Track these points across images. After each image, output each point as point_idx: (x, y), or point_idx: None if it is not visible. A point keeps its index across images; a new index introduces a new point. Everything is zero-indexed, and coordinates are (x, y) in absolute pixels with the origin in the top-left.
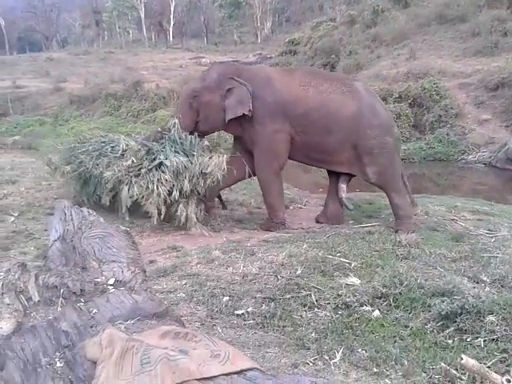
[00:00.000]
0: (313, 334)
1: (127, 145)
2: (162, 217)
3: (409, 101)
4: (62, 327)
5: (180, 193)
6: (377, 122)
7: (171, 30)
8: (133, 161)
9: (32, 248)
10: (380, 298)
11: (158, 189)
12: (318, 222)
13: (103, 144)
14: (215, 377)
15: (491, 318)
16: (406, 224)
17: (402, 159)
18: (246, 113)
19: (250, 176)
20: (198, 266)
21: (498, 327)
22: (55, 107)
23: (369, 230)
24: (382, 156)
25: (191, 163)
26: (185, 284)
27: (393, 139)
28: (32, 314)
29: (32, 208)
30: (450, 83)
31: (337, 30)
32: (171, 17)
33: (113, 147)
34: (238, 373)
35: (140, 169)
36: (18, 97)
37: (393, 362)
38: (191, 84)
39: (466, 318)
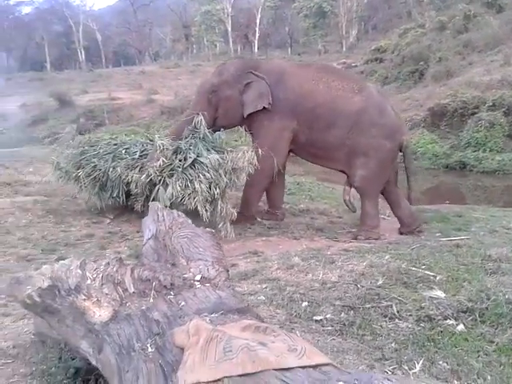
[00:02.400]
0: (392, 345)
1: (159, 145)
2: (209, 213)
3: (503, 109)
4: (153, 316)
5: (220, 190)
6: (381, 122)
7: (256, 41)
8: (163, 160)
9: (125, 248)
10: (465, 313)
11: (200, 186)
12: (401, 233)
13: (115, 146)
14: (292, 368)
15: None
16: (368, 232)
17: (496, 171)
18: (266, 106)
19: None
20: (278, 271)
21: None
22: (147, 118)
23: (457, 243)
24: (375, 160)
25: (223, 159)
26: (265, 288)
27: (393, 146)
28: (127, 304)
29: (125, 211)
30: None
31: (426, 37)
32: (257, 29)
33: (127, 149)
34: (314, 367)
35: (172, 169)
36: (113, 108)
37: (475, 376)
38: (208, 79)
39: None
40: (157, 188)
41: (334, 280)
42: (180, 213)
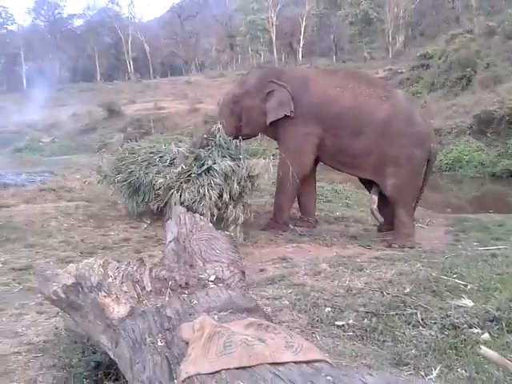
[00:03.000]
0: (413, 351)
1: (176, 152)
2: (215, 218)
3: None
4: (166, 313)
5: (230, 196)
6: (410, 130)
7: (300, 50)
8: (182, 167)
9: (160, 252)
10: (492, 321)
11: (209, 192)
12: (381, 231)
13: (151, 154)
14: (286, 363)
15: None
16: (404, 240)
17: None
18: (288, 114)
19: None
20: (305, 276)
21: None
22: (191, 127)
23: (493, 253)
24: (406, 169)
25: (238, 166)
26: (290, 292)
27: (423, 154)
28: (144, 301)
29: (162, 216)
30: None
31: (474, 42)
32: (301, 37)
33: (161, 157)
34: (307, 362)
35: (189, 175)
36: (159, 117)
37: None
38: (231, 90)
39: None
40: (171, 192)
41: (360, 287)
42: (202, 217)
